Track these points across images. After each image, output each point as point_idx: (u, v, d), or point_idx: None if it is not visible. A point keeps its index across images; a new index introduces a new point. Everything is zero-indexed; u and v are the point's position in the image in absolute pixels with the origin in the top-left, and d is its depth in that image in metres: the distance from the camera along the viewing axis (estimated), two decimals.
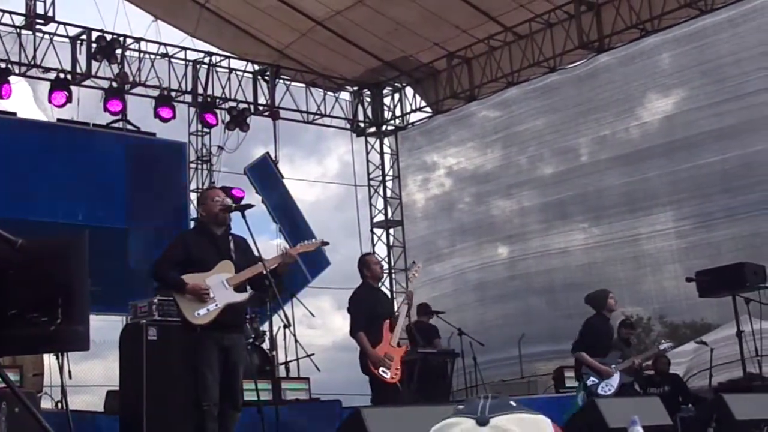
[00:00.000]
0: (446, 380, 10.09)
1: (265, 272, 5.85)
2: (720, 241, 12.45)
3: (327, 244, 6.52)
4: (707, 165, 12.65)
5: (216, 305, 5.75)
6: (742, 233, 12.18)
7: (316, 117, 16.31)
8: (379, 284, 7.95)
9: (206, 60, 14.79)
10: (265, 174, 15.21)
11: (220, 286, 5.80)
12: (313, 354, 10.75)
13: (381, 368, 7.33)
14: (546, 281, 14.61)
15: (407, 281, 7.94)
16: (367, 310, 7.62)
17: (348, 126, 17.07)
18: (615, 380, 8.65)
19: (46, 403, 7.88)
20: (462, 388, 11.87)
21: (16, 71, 12.71)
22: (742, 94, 12.28)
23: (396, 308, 8.23)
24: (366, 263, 7.92)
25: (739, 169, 12.29)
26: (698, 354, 11.37)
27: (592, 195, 14.14)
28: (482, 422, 1.58)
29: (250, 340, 9.47)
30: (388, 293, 16.68)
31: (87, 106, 13.40)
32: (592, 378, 8.66)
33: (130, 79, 13.72)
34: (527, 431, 1.59)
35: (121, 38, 13.51)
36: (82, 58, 13.26)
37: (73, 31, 13.26)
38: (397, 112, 17.19)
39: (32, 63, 12.84)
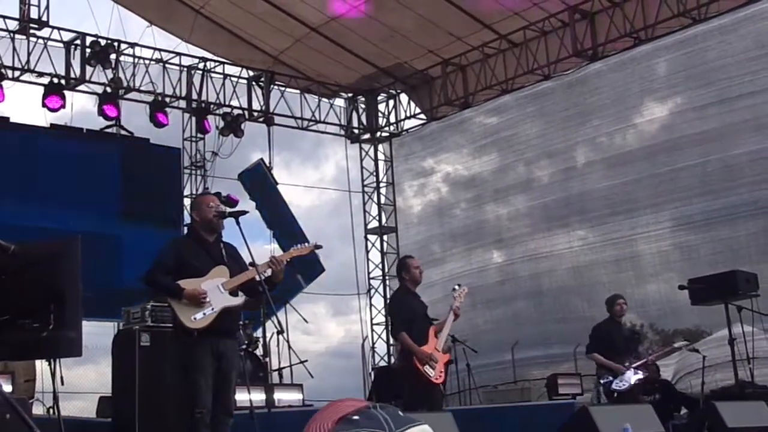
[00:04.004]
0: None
1: (258, 278, 5.82)
2: (703, 243, 12.58)
3: (320, 247, 6.41)
4: (688, 168, 12.78)
5: (213, 309, 5.74)
6: (720, 236, 12.34)
7: (311, 123, 16.31)
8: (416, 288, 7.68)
9: (200, 65, 14.79)
10: (259, 180, 15.19)
11: (216, 291, 5.79)
12: (306, 360, 10.73)
13: (426, 366, 7.20)
14: (536, 286, 14.63)
15: (453, 300, 7.73)
16: (409, 312, 7.48)
17: (342, 132, 17.08)
18: (629, 376, 8.92)
19: (38, 410, 7.83)
20: (455, 392, 11.91)
21: (10, 76, 12.70)
22: (726, 99, 12.39)
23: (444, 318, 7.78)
24: (406, 266, 7.69)
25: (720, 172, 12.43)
26: (684, 356, 11.40)
27: (581, 198, 14.17)
28: None
29: (244, 347, 9.45)
30: (381, 301, 16.67)
31: (81, 112, 13.41)
32: (606, 376, 8.99)
33: (124, 84, 13.70)
34: None
35: (116, 43, 13.48)
36: (76, 63, 13.24)
37: (67, 36, 13.23)
38: (392, 119, 17.22)
39: (26, 68, 12.82)
